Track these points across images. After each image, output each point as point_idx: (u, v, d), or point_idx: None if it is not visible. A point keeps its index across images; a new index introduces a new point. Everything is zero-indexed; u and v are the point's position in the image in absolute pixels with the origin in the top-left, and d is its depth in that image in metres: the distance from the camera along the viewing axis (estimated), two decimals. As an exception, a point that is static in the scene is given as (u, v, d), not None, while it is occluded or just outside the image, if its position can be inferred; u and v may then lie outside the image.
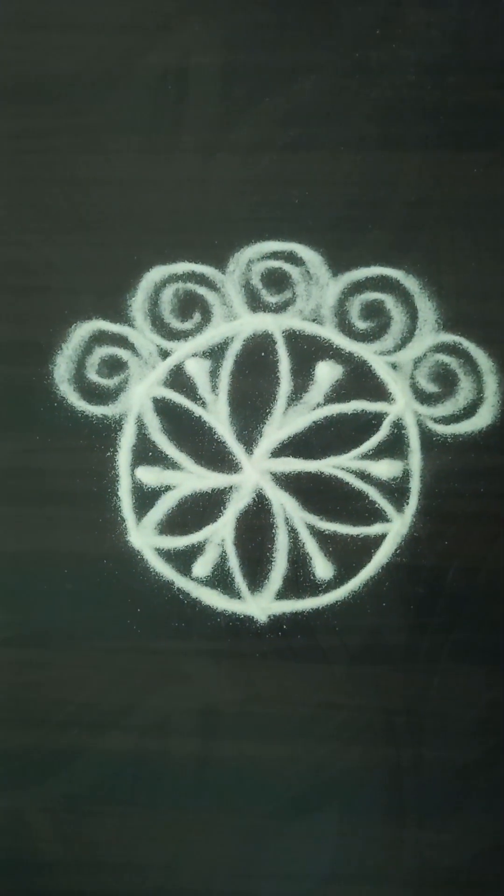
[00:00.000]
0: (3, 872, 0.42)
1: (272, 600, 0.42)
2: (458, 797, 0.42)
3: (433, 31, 0.42)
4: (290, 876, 0.42)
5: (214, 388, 0.43)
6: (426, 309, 0.42)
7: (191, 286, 0.43)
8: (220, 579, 0.42)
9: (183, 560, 0.42)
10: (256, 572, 0.42)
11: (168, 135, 0.43)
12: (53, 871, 0.42)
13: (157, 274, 0.43)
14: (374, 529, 0.42)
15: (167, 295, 0.43)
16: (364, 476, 0.42)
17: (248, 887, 0.42)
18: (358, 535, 0.42)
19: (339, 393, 0.42)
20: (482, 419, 0.42)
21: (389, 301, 0.42)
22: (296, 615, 0.42)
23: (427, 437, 0.42)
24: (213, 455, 0.43)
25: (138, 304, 0.43)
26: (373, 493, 0.42)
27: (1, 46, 0.44)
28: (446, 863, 0.42)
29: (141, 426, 0.43)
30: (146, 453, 0.43)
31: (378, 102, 0.42)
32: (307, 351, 0.42)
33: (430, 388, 0.42)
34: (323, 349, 0.42)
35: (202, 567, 0.42)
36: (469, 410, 0.42)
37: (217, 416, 0.43)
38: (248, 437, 0.43)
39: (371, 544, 0.42)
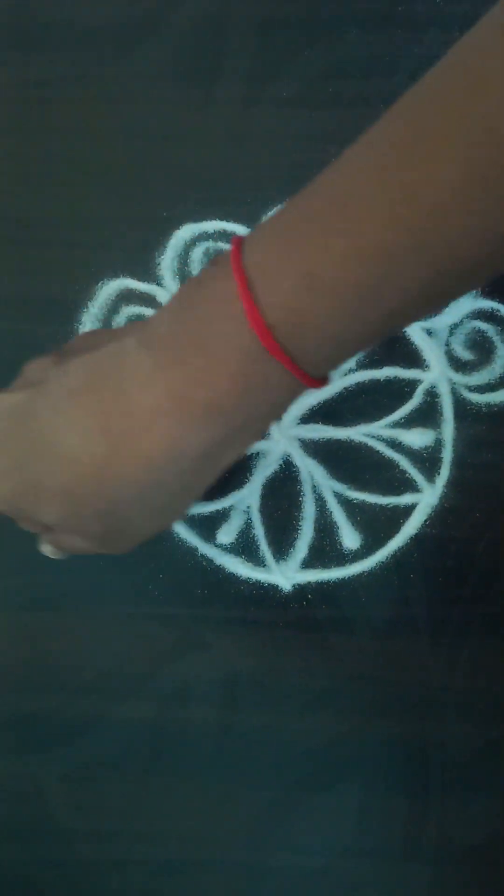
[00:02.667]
0: (18, 839, 0.42)
1: (297, 569, 0.41)
2: (482, 773, 0.41)
3: (481, -16, 0.40)
4: (310, 849, 0.41)
5: (244, 350, 0.42)
6: (464, 274, 0.41)
7: (222, 245, 0.42)
8: (244, 547, 0.41)
9: (207, 526, 0.41)
10: (282, 540, 0.41)
11: (203, 87, 0.41)
12: (68, 838, 0.42)
13: (187, 232, 0.42)
14: (404, 499, 0.41)
15: (197, 254, 0.42)
16: (395, 445, 0.41)
17: (267, 859, 0.41)
18: (387, 505, 0.41)
19: (371, 359, 0.41)
20: (519, 389, 0.41)
21: (426, 265, 0.41)
22: (321, 585, 0.41)
23: (461, 406, 0.41)
24: (241, 420, 0.41)
25: (167, 262, 0.42)
26: (403, 463, 0.41)
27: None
28: (468, 839, 0.41)
29: (167, 388, 0.42)
30: (172, 416, 0.41)
31: (422, 58, 0.40)
32: (340, 315, 0.41)
33: (466, 355, 0.41)
34: (356, 313, 0.41)
35: (227, 534, 0.41)
36: (505, 379, 0.41)
37: (245, 379, 0.42)
38: (277, 403, 0.41)
39: (400, 514, 0.41)
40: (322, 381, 0.29)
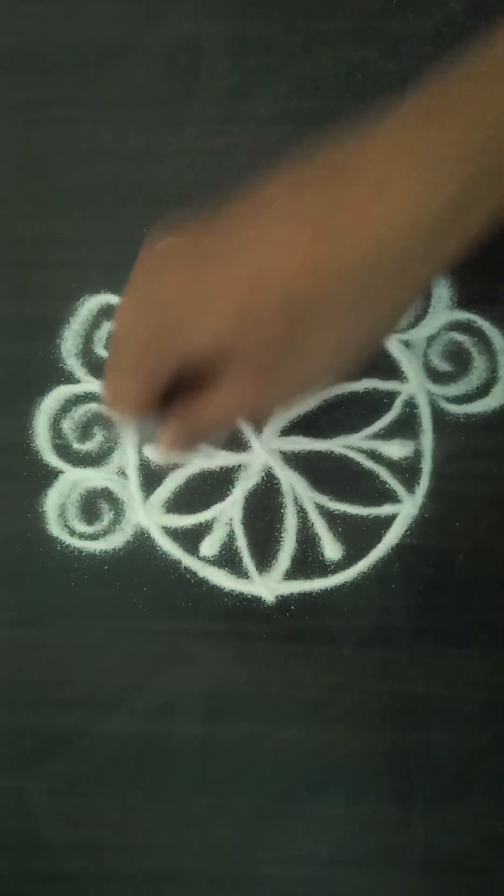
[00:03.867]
0: (3, 852, 0.42)
1: (280, 580, 0.42)
2: (465, 781, 0.41)
3: (451, 1, 0.41)
4: (295, 859, 0.41)
5: (224, 365, 0.42)
6: (440, 286, 0.41)
7: (201, 261, 0.42)
8: (227, 559, 0.42)
9: (190, 539, 0.42)
10: (265, 552, 0.42)
11: (179, 106, 0.42)
12: (55, 851, 0.42)
13: (166, 248, 0.42)
14: (385, 510, 0.41)
15: (176, 270, 0.42)
16: (375, 456, 0.42)
17: (253, 870, 0.42)
18: (368, 516, 0.41)
19: (350, 371, 0.42)
20: (496, 399, 0.41)
21: (403, 278, 0.41)
22: (304, 596, 0.41)
23: (439, 417, 0.41)
24: (222, 433, 0.42)
25: (147, 278, 0.42)
26: (383, 474, 0.41)
27: (8, 16, 0.43)
28: (452, 847, 0.41)
29: (149, 403, 0.42)
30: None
31: (395, 74, 0.41)
32: (318, 328, 0.42)
33: (444, 366, 0.41)
34: (334, 326, 0.42)
35: (210, 546, 0.42)
36: (483, 390, 0.41)
37: (226, 393, 0.42)
38: (258, 416, 0.42)
39: (381, 525, 0.41)
40: None
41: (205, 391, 0.27)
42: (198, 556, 0.42)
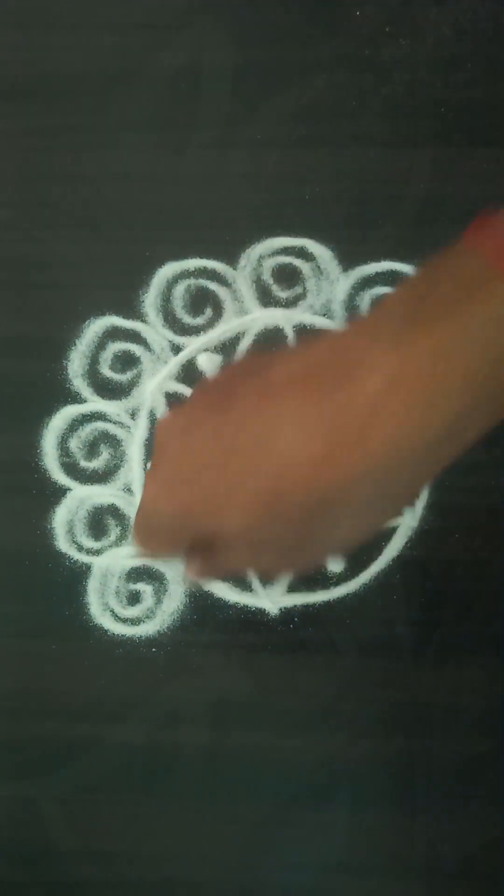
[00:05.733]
0: (15, 861, 0.43)
1: (283, 593, 0.42)
2: (468, 789, 0.42)
3: (443, 27, 0.42)
4: (300, 866, 0.42)
5: (226, 382, 0.43)
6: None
7: (203, 282, 0.43)
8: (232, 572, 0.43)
9: (195, 553, 0.43)
10: (267, 565, 0.42)
11: (179, 132, 0.43)
12: (65, 860, 0.43)
13: (169, 270, 0.43)
14: (385, 523, 0.42)
15: (179, 291, 0.43)
16: (374, 470, 0.42)
17: (258, 877, 0.42)
18: (368, 529, 0.42)
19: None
20: (492, 413, 0.42)
21: (399, 296, 0.42)
22: (307, 608, 0.42)
23: (437, 432, 0.42)
24: (225, 449, 0.43)
25: (151, 299, 0.43)
26: (383, 487, 0.42)
27: (12, 46, 0.44)
28: (455, 853, 0.42)
29: (153, 420, 0.43)
30: (158, 447, 0.43)
31: (388, 99, 0.42)
32: (318, 346, 0.43)
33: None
34: (333, 344, 0.43)
35: (214, 560, 0.43)
36: (479, 405, 0.42)
37: (228, 410, 0.43)
38: (260, 432, 0.43)
39: (382, 537, 0.42)
40: None
41: (220, 547, 0.29)
42: (202, 569, 0.43)
